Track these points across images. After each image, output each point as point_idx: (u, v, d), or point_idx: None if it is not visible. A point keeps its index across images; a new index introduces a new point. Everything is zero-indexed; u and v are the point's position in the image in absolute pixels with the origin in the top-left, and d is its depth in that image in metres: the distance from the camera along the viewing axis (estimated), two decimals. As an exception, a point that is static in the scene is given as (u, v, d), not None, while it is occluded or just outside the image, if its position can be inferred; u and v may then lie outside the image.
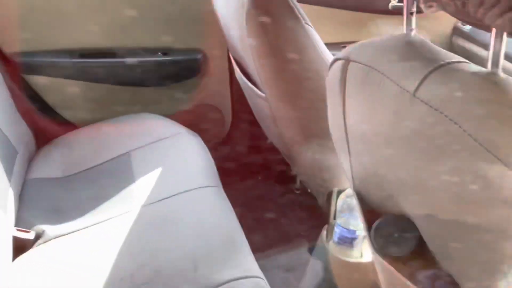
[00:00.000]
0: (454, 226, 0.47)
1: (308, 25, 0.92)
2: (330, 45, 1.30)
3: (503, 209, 0.40)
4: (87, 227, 0.95)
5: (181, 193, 1.00)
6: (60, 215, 0.99)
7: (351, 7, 1.43)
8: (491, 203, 0.42)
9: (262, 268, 0.85)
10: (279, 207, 1.36)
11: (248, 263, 0.85)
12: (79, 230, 0.94)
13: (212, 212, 0.97)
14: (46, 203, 1.02)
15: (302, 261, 1.21)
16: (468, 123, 0.42)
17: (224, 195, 1.04)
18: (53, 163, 1.15)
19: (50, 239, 0.92)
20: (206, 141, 1.23)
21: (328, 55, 0.92)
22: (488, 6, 0.37)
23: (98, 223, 0.96)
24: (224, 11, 1.12)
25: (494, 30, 0.42)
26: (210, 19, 1.28)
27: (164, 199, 0.99)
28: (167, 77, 1.41)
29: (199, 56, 1.41)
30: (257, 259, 0.87)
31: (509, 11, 0.36)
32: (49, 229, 0.94)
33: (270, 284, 0.82)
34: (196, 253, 0.85)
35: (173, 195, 1.00)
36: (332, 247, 1.08)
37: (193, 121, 1.34)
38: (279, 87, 0.96)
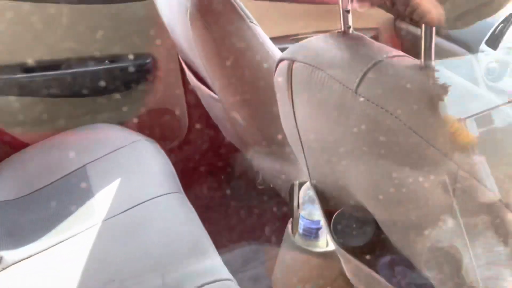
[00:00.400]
0: (404, 222, 0.49)
1: (254, 23, 0.92)
2: (277, 39, 1.32)
3: (444, 206, 0.42)
4: (47, 248, 0.92)
5: (142, 203, 0.99)
6: (17, 239, 0.95)
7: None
8: (437, 201, 0.44)
9: (231, 268, 0.85)
10: (244, 205, 1.37)
11: (216, 266, 0.85)
12: (39, 252, 0.92)
13: (176, 219, 0.97)
14: (1, 228, 0.99)
15: (270, 256, 1.22)
16: (407, 116, 0.44)
17: (186, 200, 1.03)
18: (5, 185, 1.11)
19: (9, 266, 0.89)
20: (164, 146, 1.21)
21: (277, 53, 0.93)
22: (414, 5, 0.39)
23: (59, 243, 0.93)
24: (167, 15, 1.10)
25: (423, 25, 0.44)
26: (156, 23, 1.26)
27: (125, 211, 0.98)
28: (118, 84, 1.38)
29: (149, 60, 1.39)
30: (224, 260, 0.87)
31: (434, 9, 0.38)
32: (8, 255, 0.90)
33: (239, 285, 0.83)
34: (163, 262, 0.84)
35: (135, 206, 0.99)
36: (298, 239, 1.10)
37: (148, 127, 1.32)
38: (230, 89, 0.96)
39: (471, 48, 1.38)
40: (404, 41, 1.59)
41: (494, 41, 1.29)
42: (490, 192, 0.43)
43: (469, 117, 0.52)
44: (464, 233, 0.48)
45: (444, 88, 0.45)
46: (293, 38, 1.43)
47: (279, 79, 0.63)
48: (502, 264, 0.51)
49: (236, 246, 1.24)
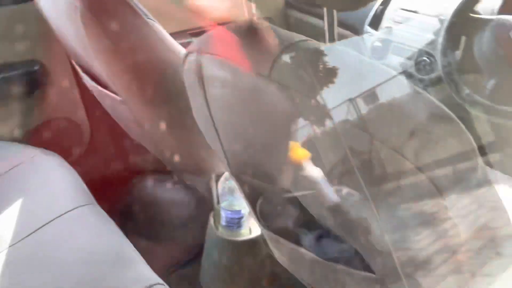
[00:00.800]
0: (316, 199, 0.52)
1: (151, 19, 0.89)
2: (176, 34, 1.29)
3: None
4: None
5: (51, 221, 0.92)
6: None
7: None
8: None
9: (158, 272, 0.83)
10: (162, 206, 1.34)
11: (143, 273, 0.82)
12: None
13: (92, 232, 0.91)
14: None
15: (196, 253, 1.21)
16: (318, 94, 0.46)
17: (101, 210, 0.98)
18: None
19: None
20: (67, 157, 1.14)
21: (178, 47, 0.92)
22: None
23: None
24: (54, 16, 1.03)
25: (325, 8, 0.46)
26: (41, 26, 1.17)
27: (33, 232, 0.90)
28: (4, 96, 1.25)
29: (36, 67, 1.28)
30: (151, 264, 0.85)
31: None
32: None
33: (169, 285, 0.81)
34: (85, 280, 0.79)
35: (44, 225, 0.91)
36: (222, 231, 1.11)
37: (47, 140, 1.23)
38: (134, 89, 0.93)
39: (356, 30, 1.48)
40: (295, 29, 1.66)
41: (376, 22, 1.40)
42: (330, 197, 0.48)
43: (359, 95, 0.57)
44: (372, 204, 0.52)
45: (348, 67, 0.48)
46: (192, 33, 1.41)
47: (188, 73, 0.63)
48: (405, 227, 0.56)
49: (160, 248, 1.22)
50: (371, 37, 1.42)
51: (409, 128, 0.59)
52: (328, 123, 0.48)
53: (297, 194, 0.62)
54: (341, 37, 1.47)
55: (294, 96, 0.48)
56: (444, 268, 0.57)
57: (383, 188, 0.53)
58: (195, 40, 0.62)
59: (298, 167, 0.44)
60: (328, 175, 0.53)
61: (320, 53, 0.48)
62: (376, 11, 1.41)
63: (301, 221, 0.65)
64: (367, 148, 0.49)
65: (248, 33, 0.55)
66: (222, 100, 0.59)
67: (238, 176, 0.72)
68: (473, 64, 1.06)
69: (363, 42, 1.44)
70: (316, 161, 0.54)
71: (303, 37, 0.52)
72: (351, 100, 0.55)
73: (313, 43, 0.51)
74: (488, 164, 0.90)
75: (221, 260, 1.12)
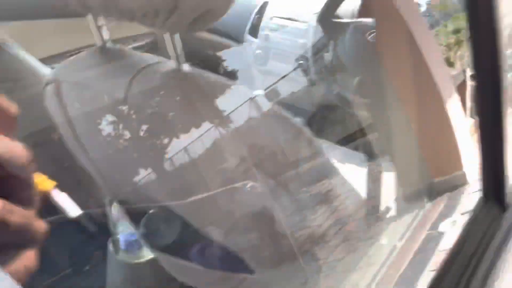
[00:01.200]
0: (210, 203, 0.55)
1: (7, 44, 0.85)
2: (53, 57, 1.23)
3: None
4: None
5: None
6: None
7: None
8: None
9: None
10: (54, 242, 1.27)
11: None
12: None
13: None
14: None
15: (98, 284, 1.17)
16: (175, 111, 0.48)
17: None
18: None
19: None
20: None
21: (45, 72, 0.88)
22: (151, 17, 0.43)
23: None
24: None
25: (169, 34, 0.48)
26: None
27: None
28: None
29: None
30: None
31: (168, 19, 0.42)
32: None
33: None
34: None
35: None
36: (123, 256, 1.08)
37: None
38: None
39: (238, 39, 1.54)
40: (191, 45, 1.66)
41: (254, 31, 1.47)
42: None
43: (230, 112, 0.60)
44: (274, 193, 0.56)
45: (201, 88, 0.51)
46: (71, 54, 1.35)
47: (50, 104, 0.61)
48: (304, 208, 0.61)
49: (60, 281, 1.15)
50: (252, 44, 1.48)
51: (277, 142, 0.64)
52: (193, 142, 0.50)
53: (178, 207, 0.64)
54: (224, 46, 1.53)
55: (152, 116, 0.50)
56: (336, 239, 0.64)
57: (283, 177, 0.57)
58: (52, 69, 0.60)
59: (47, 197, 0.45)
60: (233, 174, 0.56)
61: (170, 75, 0.50)
62: (253, 20, 1.47)
63: (185, 236, 0.66)
64: (260, 149, 0.52)
65: (101, 59, 0.55)
66: (87, 127, 0.59)
67: (120, 200, 0.72)
68: (340, 64, 1.15)
69: (244, 50, 1.49)
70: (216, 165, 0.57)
71: (157, 59, 0.54)
72: (216, 119, 0.57)
73: (166, 64, 0.53)
74: (369, 143, 0.99)
75: (125, 285, 1.10)
